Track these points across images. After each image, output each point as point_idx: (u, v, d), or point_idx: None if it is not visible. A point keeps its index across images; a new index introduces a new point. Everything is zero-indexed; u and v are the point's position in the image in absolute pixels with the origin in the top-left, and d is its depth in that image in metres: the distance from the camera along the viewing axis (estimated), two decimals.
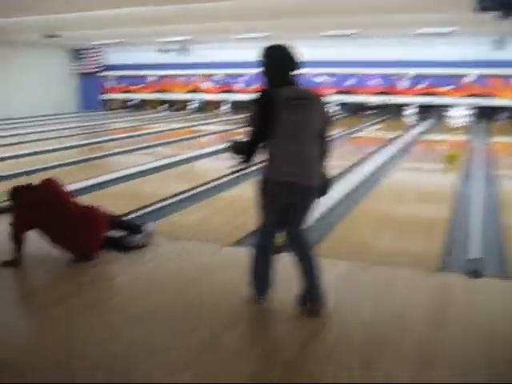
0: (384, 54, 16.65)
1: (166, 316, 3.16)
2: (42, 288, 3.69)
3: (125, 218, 4.56)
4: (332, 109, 18.37)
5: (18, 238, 3.90)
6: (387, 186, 6.98)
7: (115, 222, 4.39)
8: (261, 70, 3.05)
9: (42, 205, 3.98)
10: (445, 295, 3.40)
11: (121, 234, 4.30)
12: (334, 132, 12.92)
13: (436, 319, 3.07)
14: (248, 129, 3.00)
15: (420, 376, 2.49)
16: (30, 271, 3.90)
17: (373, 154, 9.58)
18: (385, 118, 16.76)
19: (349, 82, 17.62)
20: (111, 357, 2.70)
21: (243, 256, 4.11)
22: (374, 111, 17.59)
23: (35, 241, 4.04)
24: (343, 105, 17.83)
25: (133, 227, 4.40)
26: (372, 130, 14.35)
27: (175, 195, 6.30)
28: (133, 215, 5.37)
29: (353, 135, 12.87)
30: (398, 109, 17.22)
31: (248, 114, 3.02)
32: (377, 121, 16.10)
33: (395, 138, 11.86)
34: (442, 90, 16.58)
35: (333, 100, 17.75)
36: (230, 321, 3.06)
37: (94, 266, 3.92)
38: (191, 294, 3.48)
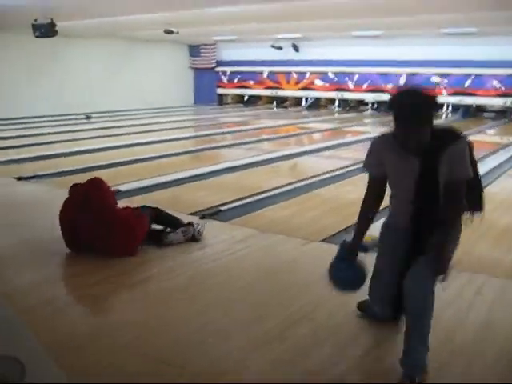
0: (505, 52, 15.61)
1: (241, 304, 3.28)
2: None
3: (171, 213, 4.48)
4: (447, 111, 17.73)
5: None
6: (493, 193, 6.60)
7: (161, 215, 4.38)
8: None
9: (78, 205, 4.04)
10: None
11: (161, 229, 4.37)
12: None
13: None
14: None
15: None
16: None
17: (484, 157, 9.09)
18: (504, 121, 15.82)
19: (466, 83, 16.74)
20: (186, 339, 2.85)
21: (327, 252, 4.17)
22: (493, 114, 16.66)
23: None
24: (458, 107, 17.05)
25: (174, 223, 4.37)
26: (487, 134, 13.61)
27: (272, 189, 6.39)
28: (228, 206, 5.56)
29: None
30: None
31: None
32: (494, 124, 15.22)
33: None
34: None
35: (448, 101, 17.08)
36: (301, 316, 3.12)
37: (178, 251, 4.15)
38: (267, 287, 3.57)
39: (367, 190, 2.70)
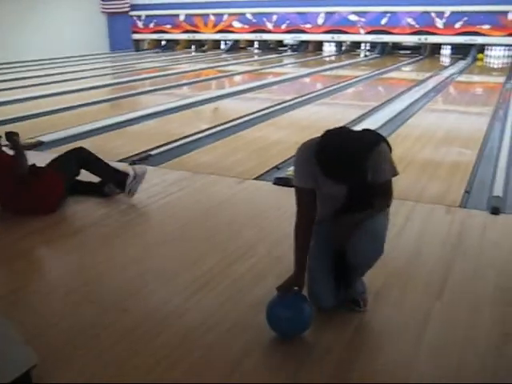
0: None
1: (181, 244, 3.27)
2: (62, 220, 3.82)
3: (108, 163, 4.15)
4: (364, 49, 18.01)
5: None
6: (413, 128, 6.84)
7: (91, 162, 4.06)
8: None
9: None
10: (462, 229, 3.42)
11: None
12: (364, 72, 12.73)
13: (451, 253, 3.09)
14: None
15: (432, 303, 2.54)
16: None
17: (401, 94, 9.36)
18: (419, 58, 16.26)
19: (382, 21, 16.97)
20: (128, 283, 2.82)
21: (262, 189, 4.23)
22: (408, 52, 17.07)
23: None
24: (376, 45, 17.34)
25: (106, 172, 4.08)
26: (404, 71, 13.97)
27: (196, 133, 6.31)
28: (155, 151, 5.45)
29: (383, 76, 12.56)
30: (433, 49, 16.65)
31: None
32: (410, 61, 15.63)
33: (427, 79, 11.54)
34: (480, 28, 15.84)
35: (365, 40, 17.32)
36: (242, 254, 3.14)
37: (112, 198, 4.03)
38: (205, 226, 3.57)
39: (298, 204, 2.42)
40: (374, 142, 2.37)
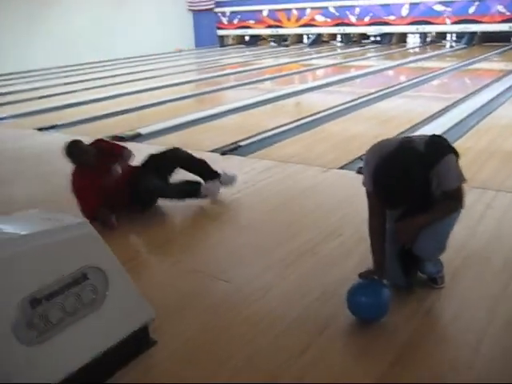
0: None
1: (272, 224, 3.60)
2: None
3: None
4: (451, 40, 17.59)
5: None
6: (498, 119, 6.77)
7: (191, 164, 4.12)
8: None
9: None
10: None
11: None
12: (450, 64, 12.51)
13: None
14: None
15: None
16: None
17: (488, 85, 9.19)
18: (509, 47, 15.70)
19: (470, 10, 16.50)
20: (227, 256, 3.18)
21: (345, 178, 4.46)
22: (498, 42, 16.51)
23: None
24: (462, 35, 16.91)
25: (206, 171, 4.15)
26: (493, 61, 13.57)
27: (280, 126, 6.56)
28: (243, 142, 5.78)
29: (470, 67, 12.30)
30: None
31: None
32: (500, 51, 15.12)
33: None
34: None
35: (451, 30, 16.94)
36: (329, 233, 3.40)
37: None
38: (295, 209, 3.88)
39: (369, 208, 2.51)
40: (438, 154, 2.34)
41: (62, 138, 6.55)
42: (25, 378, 1.87)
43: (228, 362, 2.21)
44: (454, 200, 2.42)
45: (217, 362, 2.22)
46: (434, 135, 2.49)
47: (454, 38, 17.51)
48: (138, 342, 2.29)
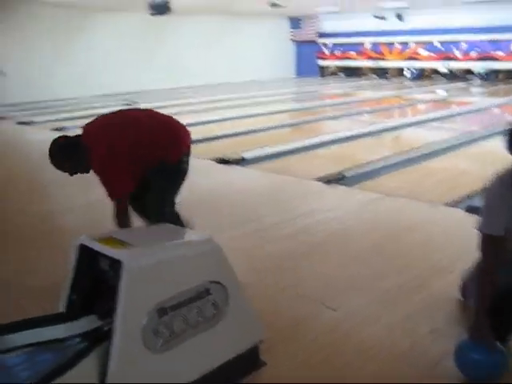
0: None
1: (376, 257, 3.58)
2: None
3: None
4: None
5: None
6: None
7: None
8: None
9: None
10: None
11: None
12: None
13: None
14: None
15: None
16: None
17: None
18: None
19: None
20: (330, 285, 3.20)
21: (453, 216, 4.36)
22: None
23: None
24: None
25: None
26: None
27: (381, 159, 6.50)
28: (346, 173, 5.80)
29: None
30: None
31: None
32: None
33: None
34: None
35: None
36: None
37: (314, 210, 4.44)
38: (402, 242, 3.85)
39: (488, 255, 2.19)
40: None
41: None
42: None
43: None
44: None
45: None
46: None
47: None
48: (249, 362, 2.35)
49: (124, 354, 1.94)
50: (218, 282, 2.18)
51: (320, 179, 5.53)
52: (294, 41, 22.01)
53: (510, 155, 2.12)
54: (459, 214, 4.36)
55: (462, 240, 3.71)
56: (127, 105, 11.62)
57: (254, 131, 8.86)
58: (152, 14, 12.44)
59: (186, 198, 4.45)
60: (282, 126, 9.73)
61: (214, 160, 6.53)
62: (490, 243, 2.17)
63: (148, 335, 1.97)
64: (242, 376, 2.31)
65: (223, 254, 2.23)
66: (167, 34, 17.28)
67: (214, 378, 2.17)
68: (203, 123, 9.68)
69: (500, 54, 17.09)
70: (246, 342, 2.33)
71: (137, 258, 2.03)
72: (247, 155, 6.79)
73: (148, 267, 2.03)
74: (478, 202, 4.42)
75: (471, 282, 2.71)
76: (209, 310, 2.15)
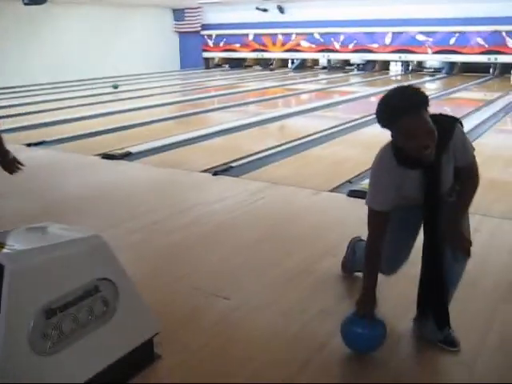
0: (488, 10, 15.64)
1: (267, 244, 3.68)
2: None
3: None
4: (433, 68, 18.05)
5: None
6: (480, 147, 6.92)
7: None
8: None
9: None
10: None
11: None
12: (432, 92, 12.82)
13: None
14: None
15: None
16: None
17: (469, 114, 9.45)
18: (488, 78, 16.17)
19: (451, 41, 16.97)
20: (224, 275, 3.24)
21: (337, 201, 4.57)
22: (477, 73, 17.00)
23: None
24: (443, 64, 17.40)
25: None
26: (473, 91, 13.96)
27: (267, 150, 6.63)
28: (233, 164, 5.86)
29: (451, 96, 12.63)
30: (503, 69, 16.48)
31: None
32: (479, 81, 15.55)
33: (496, 100, 11.53)
34: None
35: (434, 59, 17.42)
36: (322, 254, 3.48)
37: (201, 204, 4.46)
38: (289, 229, 3.96)
39: (373, 229, 2.25)
40: (452, 121, 2.21)
41: (52, 154, 6.66)
42: None
43: (229, 378, 2.26)
44: (474, 174, 2.34)
45: (218, 377, 2.26)
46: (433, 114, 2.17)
47: (435, 67, 17.94)
48: (143, 355, 2.33)
49: (9, 362, 1.85)
50: (107, 279, 2.14)
51: (207, 171, 5.55)
52: (178, 32, 21.81)
53: (383, 143, 2.28)
54: (342, 198, 4.59)
55: (345, 223, 3.92)
56: None
57: (139, 125, 8.67)
58: (26, 4, 11.79)
59: (74, 195, 4.34)
60: (168, 119, 9.62)
61: (98, 156, 6.35)
62: (376, 218, 2.23)
63: (35, 339, 1.90)
64: (136, 370, 2.28)
65: (110, 250, 2.18)
66: (43, 25, 16.41)
67: (107, 375, 2.13)
68: (84, 118, 9.34)
69: (375, 46, 18.06)
70: (139, 336, 2.30)
71: (18, 260, 1.94)
72: (133, 149, 6.65)
73: (31, 269, 1.93)
74: (359, 186, 4.73)
75: (351, 256, 2.95)
76: (99, 307, 2.10)
